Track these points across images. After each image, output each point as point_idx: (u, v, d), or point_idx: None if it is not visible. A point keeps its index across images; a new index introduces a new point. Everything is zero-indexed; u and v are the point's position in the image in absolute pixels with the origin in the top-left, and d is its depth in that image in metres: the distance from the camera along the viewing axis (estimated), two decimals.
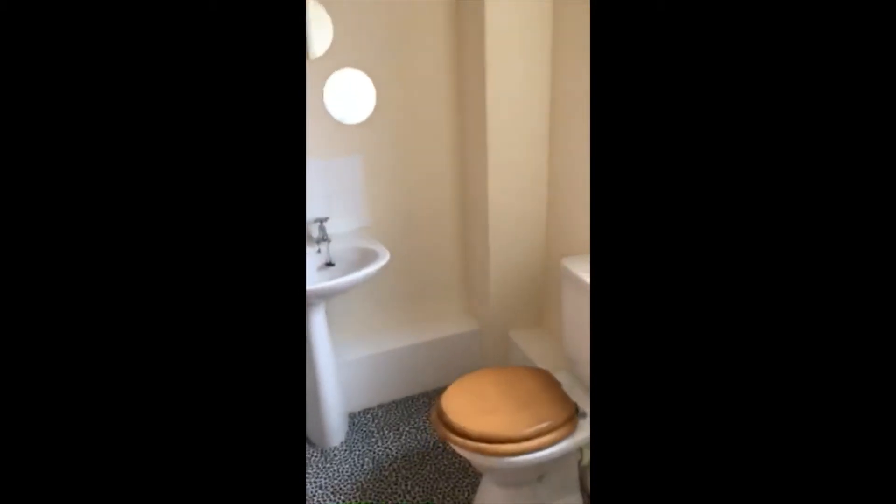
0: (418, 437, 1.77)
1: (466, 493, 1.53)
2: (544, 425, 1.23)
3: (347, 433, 1.80)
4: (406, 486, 1.57)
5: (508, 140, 1.66)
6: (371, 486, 1.57)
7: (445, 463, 1.65)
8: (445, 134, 1.82)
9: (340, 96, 1.63)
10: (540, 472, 1.35)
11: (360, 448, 1.73)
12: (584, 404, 1.35)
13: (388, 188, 1.81)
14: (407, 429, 1.81)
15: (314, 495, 1.55)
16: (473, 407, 1.29)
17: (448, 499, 1.51)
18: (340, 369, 1.80)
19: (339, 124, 1.66)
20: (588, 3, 1.38)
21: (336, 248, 1.67)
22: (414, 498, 1.52)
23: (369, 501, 1.44)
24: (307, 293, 1.41)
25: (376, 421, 1.86)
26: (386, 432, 1.80)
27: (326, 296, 1.48)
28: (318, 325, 1.60)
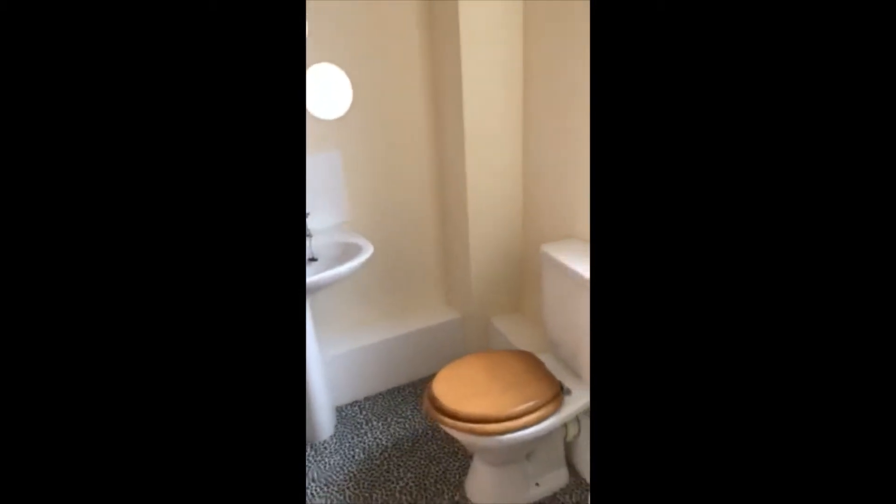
0: (407, 425, 1.80)
1: (458, 476, 1.57)
2: (532, 404, 1.28)
3: (336, 426, 1.82)
4: (398, 472, 1.60)
5: (484, 131, 1.70)
6: (363, 476, 1.59)
7: (435, 448, 1.69)
8: (422, 128, 1.84)
9: (317, 91, 1.64)
10: (528, 450, 1.41)
11: (349, 440, 1.75)
12: (568, 383, 1.41)
13: (367, 183, 1.82)
14: (395, 418, 1.84)
15: (307, 488, 1.56)
16: (463, 390, 1.34)
17: (440, 482, 1.56)
18: (326, 364, 1.82)
19: (317, 120, 1.67)
20: None
21: (318, 244, 1.68)
22: (406, 484, 1.56)
23: None
24: None
25: (364, 413, 1.88)
26: (374, 423, 1.83)
27: (311, 291, 1.49)
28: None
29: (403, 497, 1.51)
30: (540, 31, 1.56)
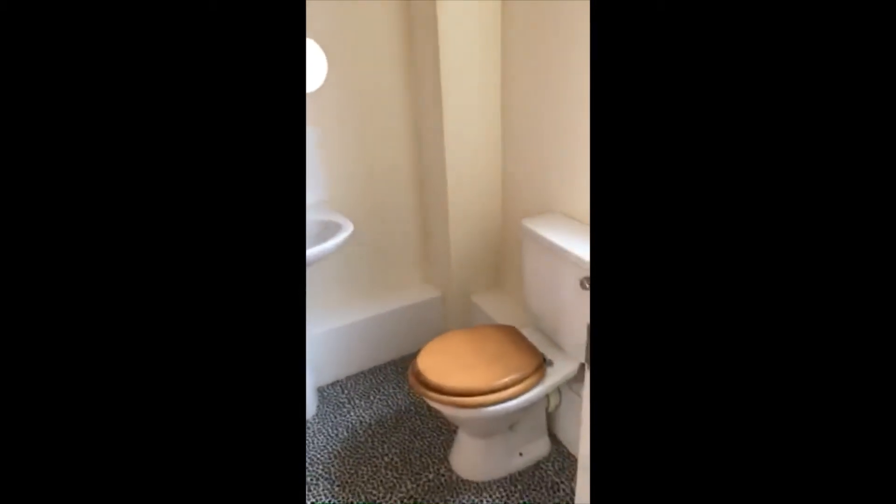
0: (389, 402, 1.81)
1: (443, 450, 1.60)
2: (515, 376, 1.30)
3: (318, 406, 1.81)
4: (382, 449, 1.61)
5: (462, 106, 1.68)
6: (348, 454, 1.60)
7: (419, 424, 1.71)
8: (400, 105, 1.81)
9: None
10: (512, 421, 1.43)
11: (332, 419, 1.75)
12: (550, 355, 1.44)
13: (345, 161, 1.79)
14: (378, 396, 1.85)
15: None
16: (448, 365, 1.35)
17: (425, 456, 1.57)
18: (307, 344, 1.80)
19: None
20: None
21: None
22: (391, 459, 1.57)
23: None
24: None
25: (346, 392, 1.88)
26: (357, 402, 1.83)
27: None
28: None
29: (389, 472, 1.52)
30: (518, 7, 1.54)
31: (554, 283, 1.41)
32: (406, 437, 1.65)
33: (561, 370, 1.39)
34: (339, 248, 1.84)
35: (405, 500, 1.43)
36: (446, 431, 1.66)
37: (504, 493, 1.44)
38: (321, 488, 1.48)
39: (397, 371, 1.98)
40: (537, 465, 1.53)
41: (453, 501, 1.42)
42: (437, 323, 2.09)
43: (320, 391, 1.89)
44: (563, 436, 1.59)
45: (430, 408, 1.77)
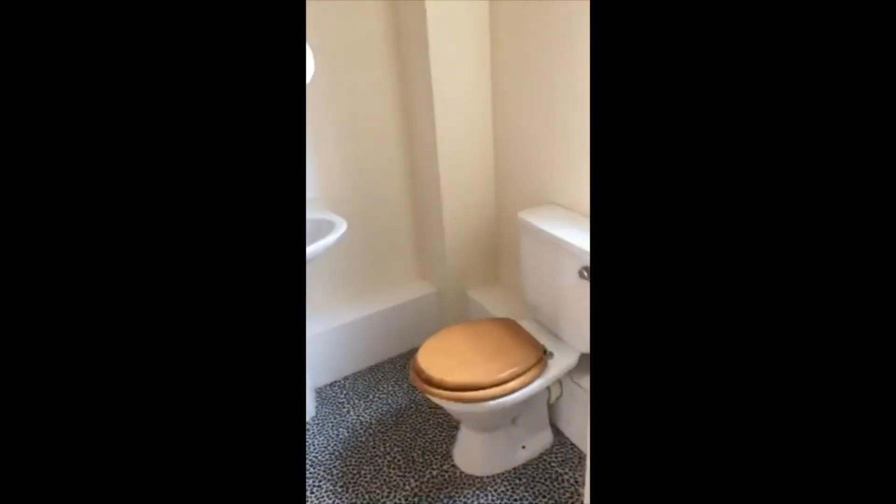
0: (389, 401, 1.80)
1: (445, 446, 1.59)
2: (517, 368, 1.30)
3: (317, 408, 1.79)
4: (384, 448, 1.60)
5: (453, 101, 1.67)
6: (349, 454, 1.58)
7: (420, 420, 1.69)
8: (390, 101, 1.79)
9: None
10: (515, 414, 1.43)
11: (331, 420, 1.73)
12: (550, 346, 1.43)
13: (336, 158, 1.77)
14: (377, 395, 1.83)
15: None
16: (449, 360, 1.34)
17: (428, 453, 1.56)
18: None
19: None
20: None
21: None
22: (394, 458, 1.55)
23: None
24: None
25: (345, 392, 1.86)
26: (356, 402, 1.81)
27: None
28: None
29: (392, 471, 1.51)
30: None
31: (552, 275, 1.41)
32: (407, 435, 1.64)
33: (562, 361, 1.39)
34: (333, 247, 1.82)
35: (409, 498, 1.42)
36: (448, 427, 1.66)
37: (509, 487, 1.44)
38: (324, 490, 1.46)
39: (395, 369, 1.97)
40: (540, 458, 1.52)
41: (458, 497, 1.42)
42: (434, 319, 2.07)
43: (318, 392, 1.87)
44: (566, 427, 1.59)
45: (430, 404, 1.76)
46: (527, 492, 1.42)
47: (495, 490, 1.43)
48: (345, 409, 1.77)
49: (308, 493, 1.47)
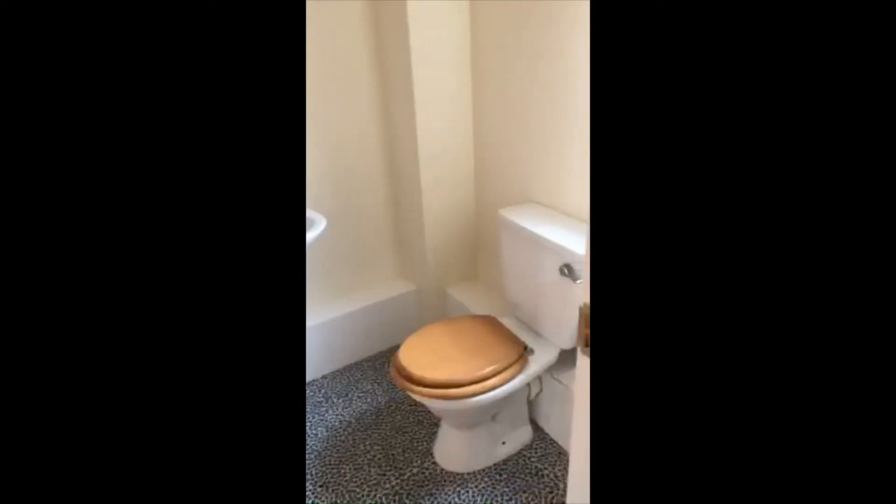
0: (368, 399, 1.79)
1: (426, 443, 1.59)
2: (497, 365, 1.31)
3: None
4: (364, 446, 1.59)
5: (434, 100, 1.66)
6: (329, 453, 1.57)
7: (400, 419, 1.69)
8: (370, 100, 1.78)
9: None
10: (495, 410, 1.44)
11: (310, 419, 1.71)
12: (530, 343, 1.45)
13: (315, 156, 1.74)
14: (356, 394, 1.82)
15: None
16: (430, 358, 1.34)
17: (408, 451, 1.56)
18: None
19: None
20: None
21: None
22: (374, 456, 1.55)
23: None
24: None
25: (323, 391, 1.84)
26: (335, 400, 1.79)
27: None
28: None
29: (372, 469, 1.50)
30: None
31: (533, 272, 1.42)
32: (388, 433, 1.64)
33: (541, 358, 1.41)
34: (313, 245, 1.80)
35: (390, 496, 1.42)
36: (428, 425, 1.66)
37: (489, 482, 1.45)
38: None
39: (374, 367, 1.96)
40: (520, 453, 1.54)
41: (438, 494, 1.42)
42: (413, 317, 2.07)
43: None
44: (545, 423, 1.61)
45: (410, 402, 1.76)
46: (507, 487, 1.43)
47: (476, 486, 1.44)
48: (324, 408, 1.76)
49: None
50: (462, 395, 1.26)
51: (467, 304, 1.88)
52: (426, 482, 1.46)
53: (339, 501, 1.40)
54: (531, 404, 1.62)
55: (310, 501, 1.41)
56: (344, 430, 1.66)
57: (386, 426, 1.66)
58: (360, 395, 1.81)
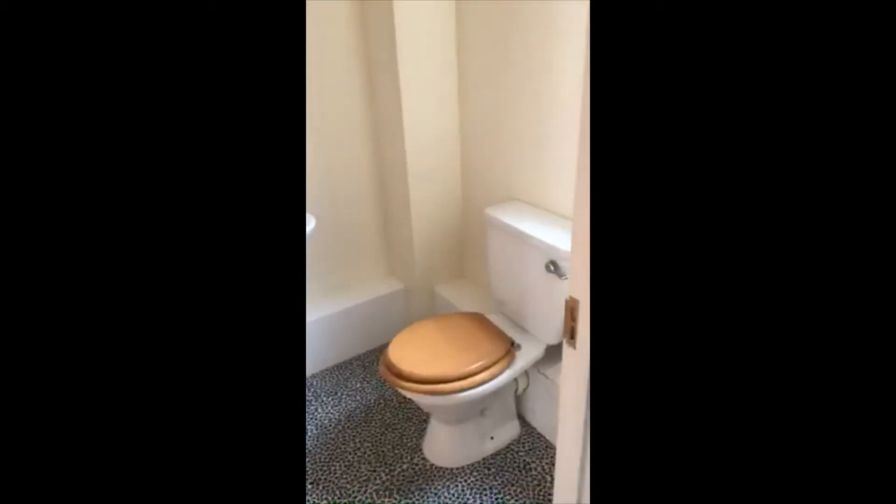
0: (358, 398, 1.80)
1: (415, 439, 1.60)
2: (485, 361, 1.33)
3: None
4: (354, 444, 1.60)
5: (421, 99, 1.68)
6: (319, 451, 1.58)
7: (389, 416, 1.71)
8: (358, 99, 1.79)
9: None
10: (483, 406, 1.46)
11: None
12: (517, 339, 1.47)
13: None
14: (345, 392, 1.83)
15: None
16: (419, 354, 1.36)
17: (398, 447, 1.58)
18: None
19: None
20: None
21: None
22: (364, 453, 1.56)
23: None
24: None
25: (312, 390, 1.85)
26: (324, 399, 1.80)
27: None
28: None
29: (362, 466, 1.52)
30: None
31: (519, 269, 1.45)
32: (377, 431, 1.65)
33: (528, 353, 1.43)
34: None
35: (380, 492, 1.43)
36: (417, 422, 1.67)
37: (478, 477, 1.47)
38: None
39: (363, 366, 1.97)
40: (508, 448, 1.56)
41: (428, 489, 1.44)
42: (401, 315, 2.08)
43: None
44: (532, 417, 1.64)
45: (399, 399, 1.78)
46: (496, 481, 1.45)
47: (465, 480, 1.46)
48: (313, 407, 1.76)
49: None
50: (451, 390, 1.28)
51: (455, 302, 1.90)
52: (416, 477, 1.48)
53: (330, 498, 1.42)
54: (518, 399, 1.65)
55: None
56: (334, 428, 1.67)
57: (375, 424, 1.68)
58: (350, 393, 1.82)
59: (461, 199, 1.93)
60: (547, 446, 1.56)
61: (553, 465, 1.47)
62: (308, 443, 1.61)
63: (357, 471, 1.50)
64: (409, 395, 1.30)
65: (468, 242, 1.99)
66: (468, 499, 1.41)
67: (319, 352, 1.92)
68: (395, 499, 1.41)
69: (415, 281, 1.97)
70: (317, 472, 1.50)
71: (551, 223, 1.41)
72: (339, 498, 1.42)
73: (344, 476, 1.48)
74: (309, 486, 1.46)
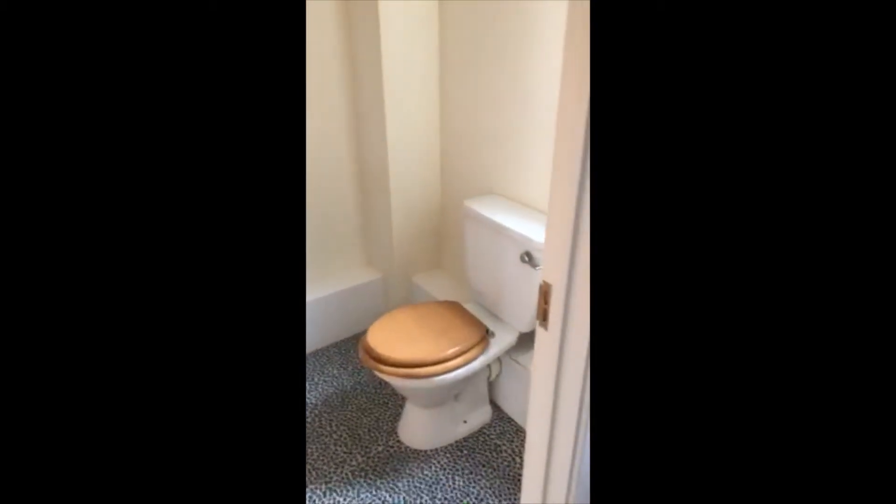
0: (334, 383, 1.83)
1: (390, 423, 1.65)
2: (460, 347, 1.38)
3: None
4: (330, 427, 1.64)
5: (402, 93, 1.72)
6: None
7: (365, 400, 1.75)
8: (339, 92, 1.81)
9: None
10: (457, 390, 1.52)
11: None
12: (492, 327, 1.53)
13: None
14: (322, 378, 1.86)
15: None
16: (397, 339, 1.40)
17: (373, 431, 1.62)
18: None
19: None
20: None
21: None
22: (340, 436, 1.60)
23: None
24: None
25: None
26: None
27: None
28: None
29: (339, 448, 1.56)
30: None
31: (495, 260, 1.50)
32: (353, 415, 1.69)
33: (502, 340, 1.49)
34: None
35: (356, 472, 1.47)
36: (393, 406, 1.72)
37: (451, 459, 1.53)
38: None
39: (340, 353, 2.00)
40: (480, 431, 1.63)
41: (403, 469, 1.49)
42: (379, 304, 2.12)
43: None
44: (503, 402, 1.71)
45: (376, 384, 1.82)
46: (468, 462, 1.51)
47: (438, 462, 1.52)
48: None
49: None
50: (427, 374, 1.33)
51: (432, 291, 1.95)
52: (391, 459, 1.52)
53: (304, 479, 1.45)
54: (491, 385, 1.71)
55: None
56: (310, 412, 1.70)
57: (352, 408, 1.72)
58: (327, 379, 1.86)
59: (440, 192, 1.98)
60: (517, 430, 1.63)
61: (523, 447, 1.54)
62: None
63: (333, 452, 1.54)
64: (386, 378, 1.35)
65: (446, 234, 2.04)
66: (441, 479, 1.46)
67: None
68: (371, 479, 1.46)
69: (393, 270, 2.01)
70: None
71: (527, 216, 1.47)
72: (314, 479, 1.45)
73: (320, 458, 1.52)
74: None
